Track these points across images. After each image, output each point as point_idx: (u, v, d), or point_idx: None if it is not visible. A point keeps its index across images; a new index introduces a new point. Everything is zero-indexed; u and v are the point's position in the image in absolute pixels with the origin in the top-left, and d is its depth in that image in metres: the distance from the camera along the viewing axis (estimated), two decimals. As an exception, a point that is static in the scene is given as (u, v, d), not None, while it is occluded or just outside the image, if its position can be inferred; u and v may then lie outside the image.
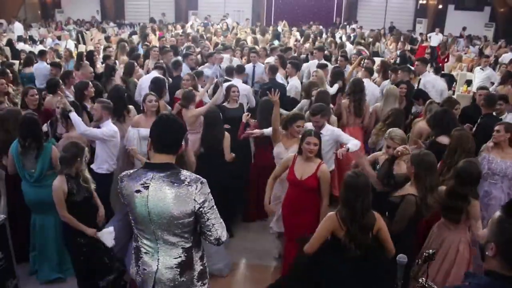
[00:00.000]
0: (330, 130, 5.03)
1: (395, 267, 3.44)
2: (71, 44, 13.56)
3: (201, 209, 2.60)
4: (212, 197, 2.67)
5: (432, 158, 3.68)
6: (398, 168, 4.11)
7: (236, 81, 7.06)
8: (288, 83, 7.63)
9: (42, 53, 9.29)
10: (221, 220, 2.74)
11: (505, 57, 12.74)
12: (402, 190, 3.71)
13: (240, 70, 7.37)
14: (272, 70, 7.39)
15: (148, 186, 2.60)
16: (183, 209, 2.58)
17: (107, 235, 3.93)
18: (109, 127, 4.89)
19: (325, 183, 4.12)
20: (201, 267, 2.83)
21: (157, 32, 14.86)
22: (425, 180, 3.58)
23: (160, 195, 2.58)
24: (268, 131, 5.08)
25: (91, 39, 13.93)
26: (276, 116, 4.81)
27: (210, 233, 2.67)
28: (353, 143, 4.77)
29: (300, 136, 4.36)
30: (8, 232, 4.14)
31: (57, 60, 9.49)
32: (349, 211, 3.26)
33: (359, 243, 3.24)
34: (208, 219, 2.64)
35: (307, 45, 11.75)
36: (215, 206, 2.69)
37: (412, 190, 3.62)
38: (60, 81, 6.28)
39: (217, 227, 2.68)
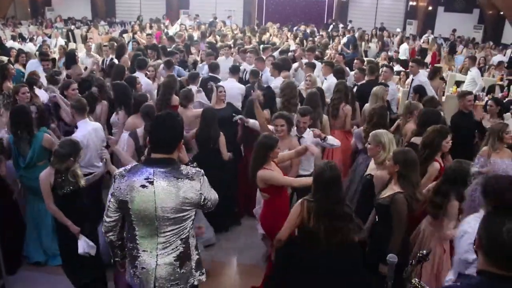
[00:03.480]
0: (307, 133, 5.01)
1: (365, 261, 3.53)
2: (61, 43, 13.46)
3: (205, 200, 2.73)
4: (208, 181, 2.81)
5: (414, 155, 3.74)
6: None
7: (231, 81, 7.04)
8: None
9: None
10: (213, 191, 2.86)
11: (495, 59, 12.89)
12: (387, 190, 3.74)
13: (234, 70, 7.35)
14: (254, 74, 7.37)
15: (152, 182, 2.61)
16: (190, 202, 2.65)
17: (85, 243, 3.88)
18: (80, 130, 4.82)
19: (282, 156, 4.37)
20: (197, 256, 2.87)
21: (148, 30, 14.83)
22: (410, 177, 3.61)
23: (167, 191, 2.60)
24: (252, 122, 5.31)
25: (90, 38, 13.75)
26: (258, 112, 5.00)
27: (209, 210, 2.91)
28: (332, 138, 4.88)
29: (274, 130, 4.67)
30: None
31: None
32: (316, 203, 3.33)
33: (328, 236, 3.29)
34: (209, 201, 2.79)
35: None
36: (209, 185, 2.83)
37: (397, 188, 3.63)
38: (38, 80, 6.28)
39: (213, 201, 2.84)
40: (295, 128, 5.03)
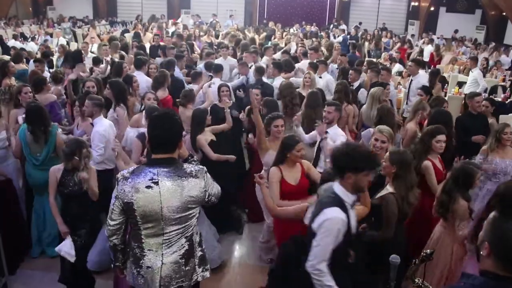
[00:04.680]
0: (334, 129, 4.98)
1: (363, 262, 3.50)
2: (62, 42, 13.46)
3: (210, 196, 2.77)
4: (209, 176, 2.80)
5: (410, 157, 3.74)
6: None
7: (215, 80, 6.99)
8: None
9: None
10: (215, 185, 2.88)
11: (503, 60, 12.88)
12: (383, 190, 3.72)
13: (217, 68, 7.35)
14: (259, 71, 7.34)
15: (157, 182, 2.60)
16: (196, 200, 2.67)
17: (67, 247, 3.86)
18: (99, 125, 4.85)
19: (314, 172, 4.22)
20: (201, 252, 2.89)
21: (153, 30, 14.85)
22: (405, 179, 3.60)
23: (172, 190, 2.60)
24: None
25: (92, 38, 13.72)
26: (257, 119, 4.69)
27: (213, 203, 2.91)
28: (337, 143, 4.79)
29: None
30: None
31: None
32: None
33: None
34: (213, 197, 2.82)
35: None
36: (212, 180, 2.84)
37: (391, 189, 3.63)
38: (47, 79, 6.28)
39: (216, 195, 2.87)
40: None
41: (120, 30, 17.29)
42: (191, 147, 5.29)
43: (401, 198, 3.56)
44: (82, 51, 9.26)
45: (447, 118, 5.11)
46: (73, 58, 8.38)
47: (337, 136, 4.93)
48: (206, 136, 5.18)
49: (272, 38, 13.76)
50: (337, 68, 9.00)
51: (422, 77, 7.72)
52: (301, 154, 4.03)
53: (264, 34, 14.52)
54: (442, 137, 4.39)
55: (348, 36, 16.12)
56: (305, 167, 4.15)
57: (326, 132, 4.87)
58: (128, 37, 13.95)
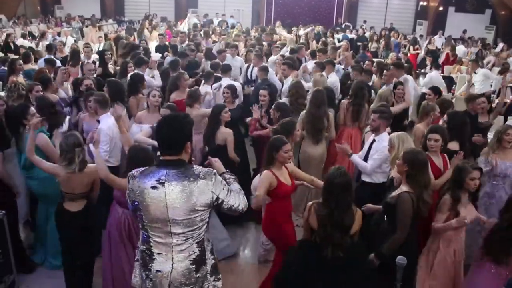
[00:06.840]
0: (380, 137, 4.79)
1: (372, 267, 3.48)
2: (70, 41, 13.53)
3: (218, 199, 2.66)
4: (225, 182, 2.74)
5: (424, 157, 3.71)
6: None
7: (224, 80, 6.98)
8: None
9: (49, 48, 9.54)
10: (237, 193, 2.77)
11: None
12: (397, 190, 3.69)
13: (225, 69, 7.35)
14: (264, 70, 7.32)
15: (163, 183, 2.59)
16: (203, 202, 2.62)
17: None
18: (103, 123, 4.80)
19: (297, 172, 4.29)
20: (213, 261, 2.85)
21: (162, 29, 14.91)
22: (417, 178, 3.58)
23: (178, 191, 2.58)
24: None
25: (99, 37, 13.79)
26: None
27: (233, 212, 2.76)
28: (362, 164, 4.78)
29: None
30: (6, 228, 4.12)
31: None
32: (325, 208, 3.24)
33: (334, 242, 3.20)
34: (227, 203, 2.70)
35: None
36: (228, 187, 2.74)
37: (405, 188, 3.60)
38: (51, 77, 6.29)
39: (237, 204, 2.74)
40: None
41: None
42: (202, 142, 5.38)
43: (417, 197, 3.54)
44: (84, 54, 9.23)
45: (465, 118, 5.09)
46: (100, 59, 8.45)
47: (380, 144, 4.71)
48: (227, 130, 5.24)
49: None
50: (343, 69, 8.96)
51: (410, 82, 7.31)
52: (289, 155, 3.98)
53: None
54: (433, 135, 4.40)
55: (348, 36, 16.07)
56: (289, 168, 4.14)
57: (374, 141, 4.81)
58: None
